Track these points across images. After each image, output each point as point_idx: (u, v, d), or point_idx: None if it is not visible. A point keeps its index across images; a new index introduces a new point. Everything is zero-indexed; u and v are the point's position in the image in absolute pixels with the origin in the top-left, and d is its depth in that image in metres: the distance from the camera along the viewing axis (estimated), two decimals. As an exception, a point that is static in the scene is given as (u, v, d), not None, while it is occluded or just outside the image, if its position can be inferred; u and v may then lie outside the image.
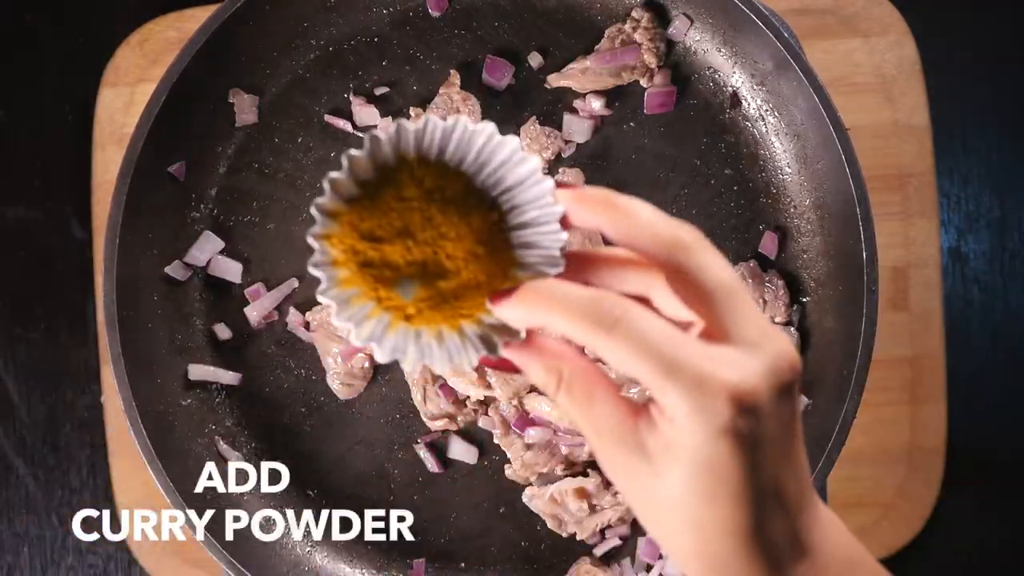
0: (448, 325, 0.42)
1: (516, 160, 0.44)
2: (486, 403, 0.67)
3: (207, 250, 0.68)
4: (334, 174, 0.42)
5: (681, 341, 0.39)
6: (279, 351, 0.68)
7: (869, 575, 0.42)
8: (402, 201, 0.44)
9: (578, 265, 0.44)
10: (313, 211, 0.42)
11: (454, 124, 0.43)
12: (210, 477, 0.67)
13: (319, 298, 0.41)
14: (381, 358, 0.41)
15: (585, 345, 0.40)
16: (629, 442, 0.40)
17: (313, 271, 0.41)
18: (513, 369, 0.43)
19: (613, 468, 0.41)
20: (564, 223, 0.43)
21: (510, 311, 0.41)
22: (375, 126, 0.68)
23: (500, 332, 0.42)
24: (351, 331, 0.42)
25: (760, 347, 0.39)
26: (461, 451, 0.67)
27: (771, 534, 0.40)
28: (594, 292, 0.40)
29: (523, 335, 0.43)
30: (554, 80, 0.67)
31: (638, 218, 0.41)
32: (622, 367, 0.39)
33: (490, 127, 0.44)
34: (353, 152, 0.42)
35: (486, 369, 0.65)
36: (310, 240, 0.41)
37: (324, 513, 0.68)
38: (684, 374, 0.38)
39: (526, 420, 0.66)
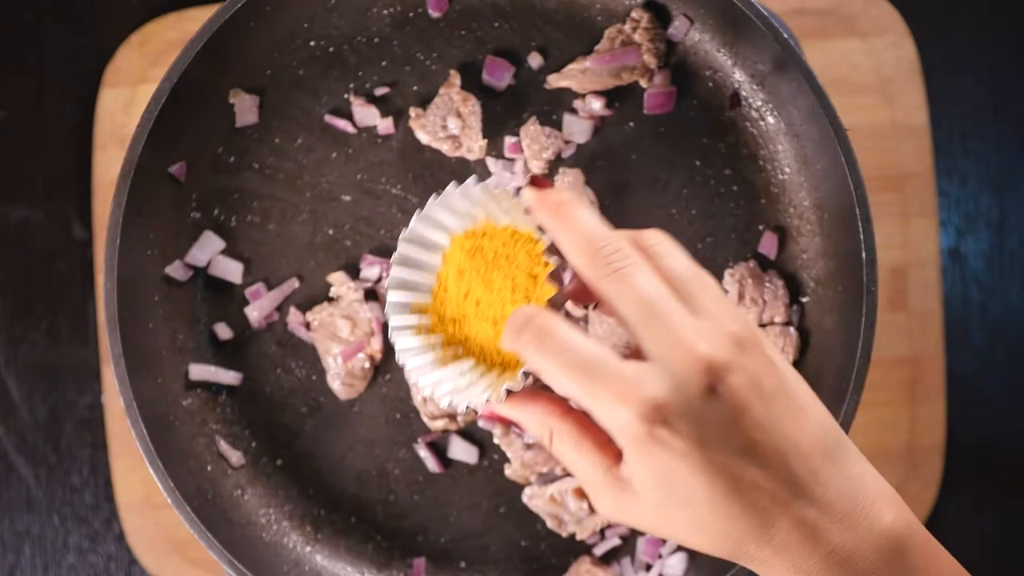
0: None
1: (504, 193, 0.49)
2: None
3: (208, 250, 0.68)
4: (399, 289, 0.51)
5: (598, 362, 0.42)
6: (280, 351, 0.68)
7: (921, 543, 0.43)
8: (461, 275, 0.50)
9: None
10: (389, 311, 0.50)
11: (455, 197, 0.50)
12: (210, 477, 0.67)
13: (409, 375, 0.48)
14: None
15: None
16: (611, 480, 0.44)
17: (400, 351, 0.49)
18: (517, 425, 0.48)
19: (604, 505, 0.45)
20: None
21: (503, 343, 0.46)
22: (375, 126, 0.68)
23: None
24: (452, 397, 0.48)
25: (666, 359, 0.42)
26: (461, 451, 0.67)
27: (759, 507, 0.42)
28: (525, 311, 0.44)
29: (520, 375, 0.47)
30: (554, 80, 0.67)
31: (570, 233, 0.45)
32: (557, 389, 0.43)
33: (469, 182, 0.50)
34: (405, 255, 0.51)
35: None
36: (394, 337, 0.49)
37: (324, 513, 0.68)
38: (602, 394, 0.42)
39: (526, 420, 0.66)
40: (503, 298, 0.49)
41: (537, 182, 0.47)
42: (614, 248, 0.44)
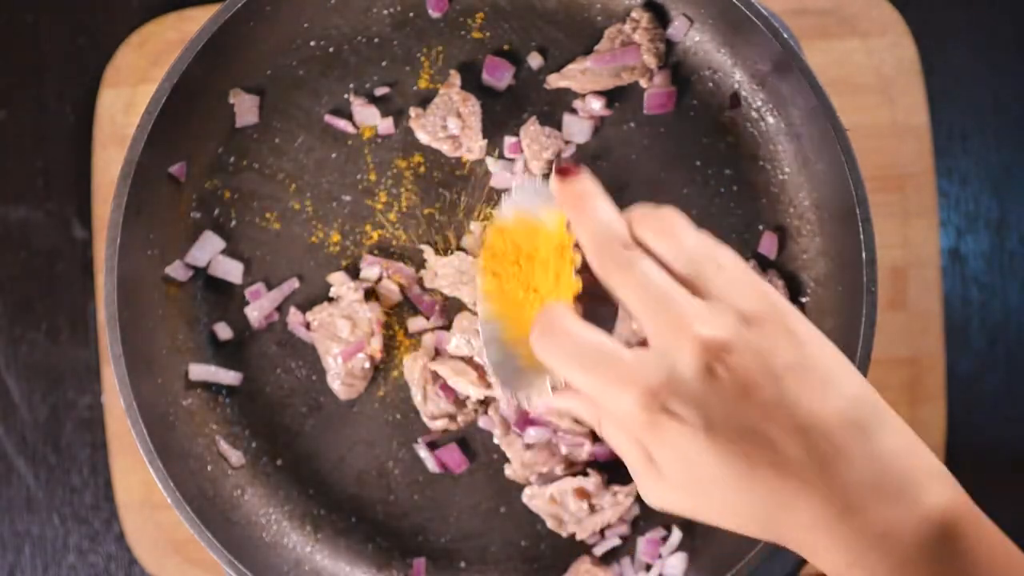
0: None
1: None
2: (486, 403, 0.67)
3: (208, 250, 0.68)
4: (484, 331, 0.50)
5: (599, 352, 0.42)
6: (280, 351, 0.68)
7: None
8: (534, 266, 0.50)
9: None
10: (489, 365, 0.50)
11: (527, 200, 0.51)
12: (210, 477, 0.67)
13: (507, 395, 0.50)
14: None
15: None
16: (650, 469, 0.44)
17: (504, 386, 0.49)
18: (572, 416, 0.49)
19: (645, 492, 0.45)
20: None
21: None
22: (375, 126, 0.68)
23: None
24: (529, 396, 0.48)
25: (663, 343, 0.41)
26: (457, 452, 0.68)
27: (779, 486, 0.41)
28: (544, 310, 0.45)
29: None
30: (554, 81, 0.67)
31: (584, 226, 0.45)
32: (570, 382, 0.44)
33: (534, 181, 0.51)
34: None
35: (486, 369, 0.65)
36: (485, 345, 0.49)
37: (324, 513, 0.68)
38: (602, 384, 0.42)
39: (526, 420, 0.66)
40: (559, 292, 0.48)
41: (564, 169, 0.46)
42: (621, 241, 0.43)
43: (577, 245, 0.46)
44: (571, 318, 0.43)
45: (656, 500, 0.45)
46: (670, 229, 0.44)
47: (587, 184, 0.45)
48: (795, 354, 0.41)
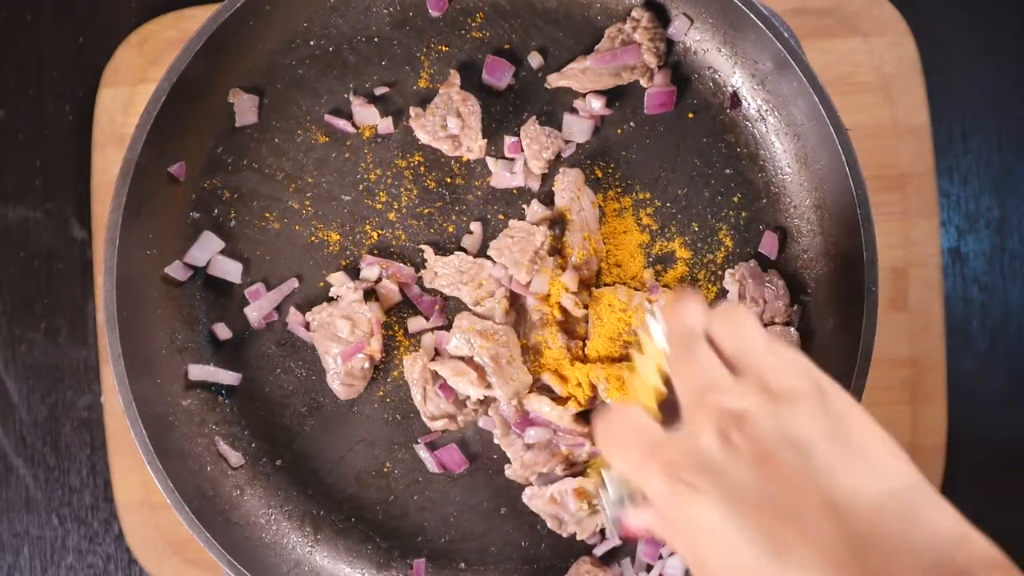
0: None
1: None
2: (486, 403, 0.67)
3: (207, 250, 0.68)
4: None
5: (635, 434, 0.44)
6: (279, 351, 0.68)
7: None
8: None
9: None
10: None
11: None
12: (210, 477, 0.67)
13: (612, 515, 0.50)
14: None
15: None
16: (697, 565, 0.44)
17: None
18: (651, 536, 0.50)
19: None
20: None
21: None
22: (375, 126, 0.68)
23: None
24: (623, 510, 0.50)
25: (689, 418, 0.43)
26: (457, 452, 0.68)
27: (811, 569, 0.39)
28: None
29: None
30: (554, 80, 0.67)
31: (671, 329, 0.48)
32: (619, 467, 0.46)
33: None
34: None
35: (486, 369, 0.65)
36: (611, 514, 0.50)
37: (324, 513, 0.68)
38: (635, 461, 0.44)
39: (526, 420, 0.66)
40: None
41: (679, 294, 0.50)
42: (694, 335, 0.46)
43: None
44: (627, 409, 0.46)
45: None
46: (734, 320, 0.45)
47: (689, 298, 0.48)
48: (829, 430, 0.40)
